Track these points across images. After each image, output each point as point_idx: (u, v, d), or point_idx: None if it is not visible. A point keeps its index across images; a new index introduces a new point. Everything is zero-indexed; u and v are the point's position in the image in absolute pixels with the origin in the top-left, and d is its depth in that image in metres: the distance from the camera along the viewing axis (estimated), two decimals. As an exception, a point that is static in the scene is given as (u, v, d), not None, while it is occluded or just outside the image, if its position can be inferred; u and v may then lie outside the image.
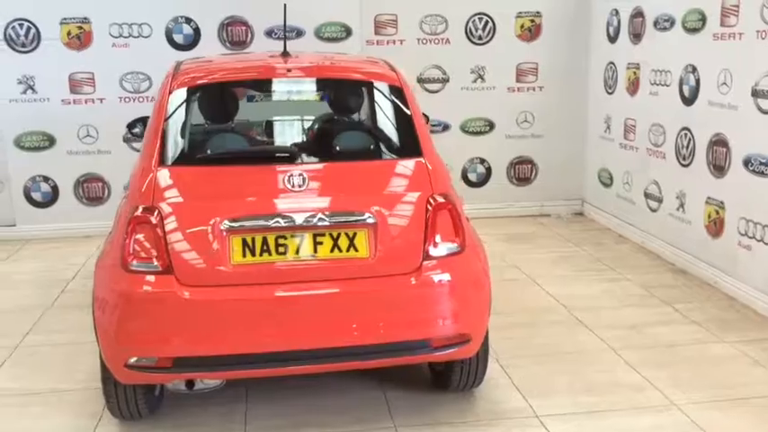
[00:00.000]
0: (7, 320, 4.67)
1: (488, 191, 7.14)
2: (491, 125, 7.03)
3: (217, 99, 3.39)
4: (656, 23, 5.78)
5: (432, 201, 3.20)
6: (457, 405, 3.56)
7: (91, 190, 6.58)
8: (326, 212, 3.06)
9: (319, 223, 3.03)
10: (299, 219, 3.02)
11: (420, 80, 6.82)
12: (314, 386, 3.64)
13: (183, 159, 3.23)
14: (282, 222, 3.01)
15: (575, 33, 6.92)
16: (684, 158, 5.45)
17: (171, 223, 3.00)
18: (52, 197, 6.54)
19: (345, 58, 3.89)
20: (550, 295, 4.97)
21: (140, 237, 2.98)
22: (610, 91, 6.59)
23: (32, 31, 6.25)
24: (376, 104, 3.64)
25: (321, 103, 3.43)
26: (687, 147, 5.40)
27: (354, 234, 3.07)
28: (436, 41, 6.80)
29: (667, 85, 5.63)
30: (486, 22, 6.81)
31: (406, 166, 3.34)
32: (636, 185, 6.20)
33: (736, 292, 4.83)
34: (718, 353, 4.09)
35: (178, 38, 6.45)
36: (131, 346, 2.96)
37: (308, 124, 3.55)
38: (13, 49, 6.26)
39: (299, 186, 3.10)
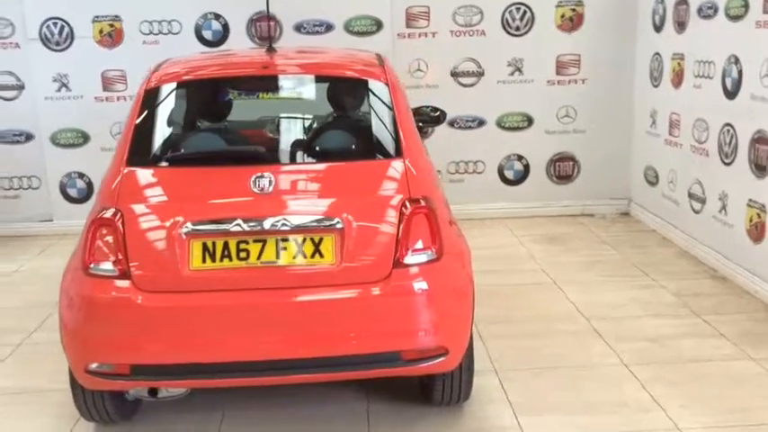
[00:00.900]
0: (22, 316, 4.72)
1: (526, 189, 6.83)
2: (529, 120, 6.72)
3: (192, 98, 3.29)
4: (699, 11, 5.36)
5: (407, 205, 3.00)
6: (441, 419, 3.36)
7: (124, 186, 6.62)
8: (291, 216, 2.91)
9: (283, 228, 2.89)
10: (262, 223, 2.88)
11: (454, 74, 6.58)
12: (296, 395, 3.51)
13: (153, 160, 3.14)
14: (244, 226, 2.87)
15: (619, 22, 6.52)
16: (727, 156, 5.04)
17: (132, 226, 2.91)
18: (87, 193, 6.62)
19: (332, 55, 3.73)
20: (571, 302, 4.68)
21: (100, 240, 2.90)
22: (655, 83, 6.19)
23: (66, 29, 6.34)
24: (356, 103, 3.46)
25: (302, 101, 3.29)
26: (729, 144, 4.99)
27: (321, 240, 2.91)
28: (471, 33, 6.54)
29: (710, 78, 5.22)
30: (525, 12, 6.50)
31: (384, 167, 3.16)
32: (680, 185, 5.80)
33: (776, 304, 4.44)
34: (742, 371, 3.73)
35: (207, 34, 6.42)
36: (90, 352, 2.89)
37: (285, 124, 3.41)
38: (48, 47, 6.36)
39: (267, 189, 2.96)
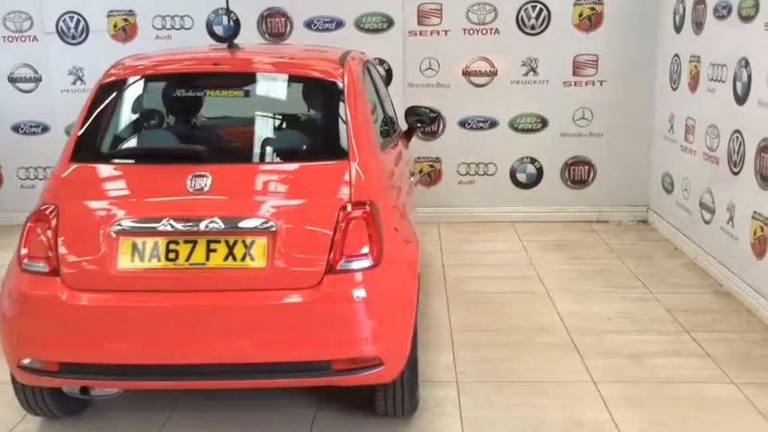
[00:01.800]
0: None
1: (539, 193, 6.63)
2: (544, 122, 6.51)
3: (141, 94, 3.26)
4: (715, 10, 5.09)
5: (346, 209, 2.90)
6: (385, 430, 3.25)
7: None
8: (222, 217, 2.84)
9: (213, 229, 2.83)
10: (193, 223, 2.83)
11: (466, 73, 6.43)
12: (247, 399, 3.45)
13: (95, 156, 3.12)
14: (174, 226, 2.83)
15: (640, 22, 6.26)
16: (735, 165, 4.77)
17: (66, 223, 2.90)
18: (100, 185, 6.71)
19: (291, 53, 3.64)
20: (558, 313, 4.50)
21: (35, 236, 2.90)
22: (674, 86, 5.91)
23: (81, 23, 6.44)
24: (305, 102, 3.37)
25: (251, 99, 3.22)
26: (738, 152, 4.72)
27: (252, 242, 2.85)
28: (484, 32, 6.37)
29: (723, 81, 4.95)
30: (541, 11, 6.30)
31: (327, 169, 3.06)
32: (693, 194, 5.52)
33: (774, 324, 4.17)
34: (718, 395, 3.51)
35: (218, 29, 6.44)
36: (21, 347, 2.89)
37: (230, 122, 3.35)
38: (64, 41, 6.48)
39: (202, 189, 2.91)
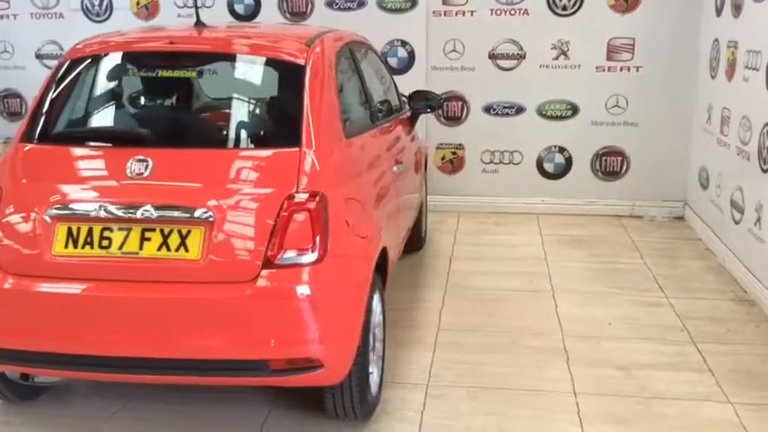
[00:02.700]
0: None
1: (567, 184, 6.29)
2: (574, 109, 6.15)
3: (94, 74, 3.14)
4: (754, -9, 4.66)
5: (289, 200, 2.73)
6: (335, 435, 3.09)
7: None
8: (158, 205, 2.71)
9: (148, 217, 2.70)
10: (127, 210, 2.71)
11: (492, 56, 6.12)
12: (204, 393, 3.31)
13: (41, 137, 3.01)
14: (108, 212, 2.71)
15: (681, 3, 5.81)
16: (765, 162, 4.36)
17: (6, 206, 2.82)
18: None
19: (255, 32, 3.44)
20: (558, 315, 4.22)
21: None
22: (713, 74, 5.47)
23: (106, 1, 6.43)
24: (264, 85, 3.19)
25: (206, 80, 3.06)
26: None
27: (188, 232, 2.70)
28: (512, 12, 6.03)
29: (756, 69, 4.52)
30: (574, -9, 5.93)
31: (275, 157, 2.88)
32: (725, 191, 5.11)
33: (791, 338, 3.80)
34: (709, 416, 3.20)
35: (239, 8, 6.32)
36: (-44, 330, 2.84)
37: (179, 104, 3.19)
38: (89, 18, 6.50)
39: (142, 174, 2.78)
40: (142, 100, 3.16)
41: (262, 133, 3.03)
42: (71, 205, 2.76)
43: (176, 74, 3.04)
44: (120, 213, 2.71)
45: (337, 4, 6.17)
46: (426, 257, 5.22)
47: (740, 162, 4.77)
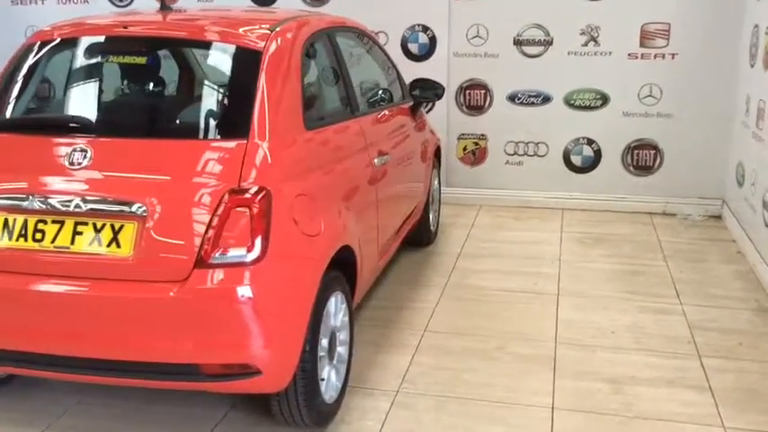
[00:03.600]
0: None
1: (596, 179, 5.94)
2: (604, 99, 5.79)
3: (48, 60, 3.04)
4: (792, -29, 4.23)
5: (230, 194, 2.57)
6: (286, 444, 2.92)
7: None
8: (92, 197, 2.59)
9: (80, 210, 2.59)
10: (61, 202, 2.60)
11: (517, 42, 5.81)
12: (165, 392, 3.20)
13: (-5, 125, 2.94)
14: (43, 204, 2.61)
15: (722, -15, 5.39)
16: (795, 160, 3.96)
17: (-48, 195, 2.75)
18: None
19: (225, 16, 3.26)
20: (557, 320, 3.94)
21: None
22: (752, 62, 5.04)
23: (128, -15, 6.42)
24: (217, 72, 3.01)
25: (162, 66, 2.92)
26: (798, 144, 3.91)
27: (121, 227, 2.58)
28: (539, -5, 5.72)
29: (791, 58, 4.12)
30: (605, -28, 5.57)
31: (220, 149, 2.72)
32: (759, 189, 4.70)
33: (808, 356, 3.43)
34: (696, 441, 2.90)
35: (257, -8, 6.20)
36: None
37: (127, 92, 3.04)
38: (113, 3, 6.48)
39: (80, 164, 2.66)
40: (91, 87, 3.04)
41: (210, 123, 2.86)
42: (5, 196, 2.66)
43: (127, 60, 2.92)
44: (55, 205, 2.60)
45: (358, -14, 5.96)
46: (433, 254, 4.99)
47: (772, 159, 4.37)
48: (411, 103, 4.52)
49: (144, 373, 2.61)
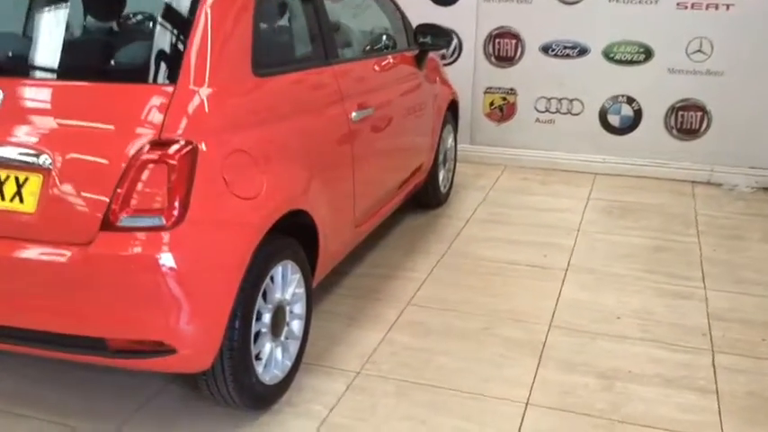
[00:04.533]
0: None
1: (635, 141, 5.41)
2: (647, 53, 5.22)
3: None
4: None
5: (146, 147, 2.24)
6: (226, 421, 2.62)
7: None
8: (-3, 146, 2.31)
9: (-21, 159, 2.31)
10: (-37, 150, 2.32)
11: (553, -12, 5.27)
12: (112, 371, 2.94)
13: None
14: (-51, 152, 2.34)
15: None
16: None
17: None
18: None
19: None
20: (558, 300, 3.53)
21: None
22: (817, 14, 4.40)
23: None
24: (147, 8, 2.65)
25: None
26: None
27: (26, 180, 2.29)
28: (579, -65, 5.14)
29: None
30: None
31: (144, 95, 2.38)
32: (812, 160, 4.13)
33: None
34: (686, 455, 2.48)
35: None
36: None
37: (45, 28, 2.69)
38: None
39: (-8, 109, 2.38)
40: (9, 22, 2.73)
41: (134, 64, 2.51)
42: None
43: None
44: (-41, 154, 2.33)
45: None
46: (440, 217, 4.60)
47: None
48: (416, 52, 4.09)
49: (48, 343, 2.35)
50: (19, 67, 2.56)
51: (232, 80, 2.52)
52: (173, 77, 2.37)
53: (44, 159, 2.27)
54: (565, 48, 5.36)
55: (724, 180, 5.21)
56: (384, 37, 3.78)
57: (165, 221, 2.22)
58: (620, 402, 2.74)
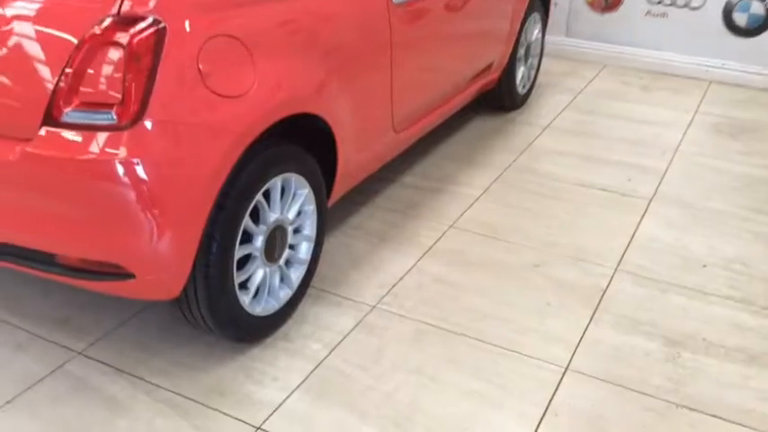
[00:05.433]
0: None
1: (763, 46, 4.53)
2: (795, -63, 4.26)
3: None
4: None
5: (101, 25, 1.80)
6: (192, 345, 2.28)
7: None
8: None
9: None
10: None
11: None
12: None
13: None
14: None
15: None
16: None
17: None
18: None
19: None
20: (632, 238, 2.95)
21: None
22: None
23: None
24: None
25: None
26: None
27: (-28, 60, 1.91)
28: None
29: None
30: None
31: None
32: None
33: None
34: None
35: None
36: None
37: None
38: None
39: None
40: None
41: None
42: None
43: None
44: None
45: None
46: (513, 122, 4.00)
47: None
48: None
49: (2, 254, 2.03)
50: None
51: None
52: (143, -64, 1.87)
53: (-13, 36, 1.87)
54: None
55: None
56: None
57: (116, 119, 1.80)
58: (683, 379, 2.21)
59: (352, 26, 2.46)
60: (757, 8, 4.45)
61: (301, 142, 2.31)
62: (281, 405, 2.09)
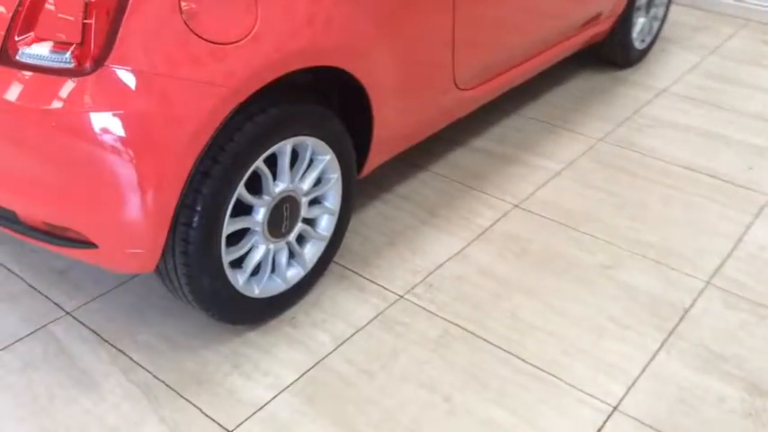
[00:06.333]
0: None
1: None
2: None
3: None
4: None
5: (63, -50, 1.50)
6: (186, 318, 2.02)
7: None
8: None
9: None
10: None
11: None
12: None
13: None
14: None
15: None
16: None
17: None
18: None
19: None
20: (739, 241, 2.41)
21: None
22: None
23: None
24: None
25: None
26: None
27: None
28: None
29: None
30: None
31: None
32: None
33: None
34: None
35: None
36: None
37: None
38: None
39: None
40: None
41: None
42: None
43: None
44: None
45: None
46: (622, 82, 3.44)
47: None
48: None
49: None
50: None
51: None
52: None
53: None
54: None
55: None
56: None
57: (74, 62, 1.51)
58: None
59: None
60: None
61: (332, 99, 1.95)
62: (262, 407, 1.80)
